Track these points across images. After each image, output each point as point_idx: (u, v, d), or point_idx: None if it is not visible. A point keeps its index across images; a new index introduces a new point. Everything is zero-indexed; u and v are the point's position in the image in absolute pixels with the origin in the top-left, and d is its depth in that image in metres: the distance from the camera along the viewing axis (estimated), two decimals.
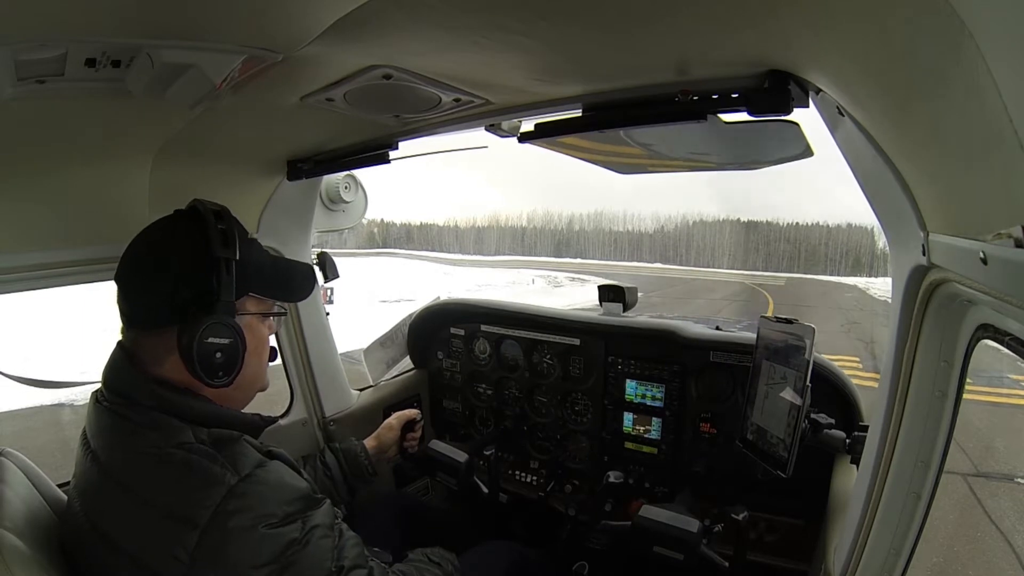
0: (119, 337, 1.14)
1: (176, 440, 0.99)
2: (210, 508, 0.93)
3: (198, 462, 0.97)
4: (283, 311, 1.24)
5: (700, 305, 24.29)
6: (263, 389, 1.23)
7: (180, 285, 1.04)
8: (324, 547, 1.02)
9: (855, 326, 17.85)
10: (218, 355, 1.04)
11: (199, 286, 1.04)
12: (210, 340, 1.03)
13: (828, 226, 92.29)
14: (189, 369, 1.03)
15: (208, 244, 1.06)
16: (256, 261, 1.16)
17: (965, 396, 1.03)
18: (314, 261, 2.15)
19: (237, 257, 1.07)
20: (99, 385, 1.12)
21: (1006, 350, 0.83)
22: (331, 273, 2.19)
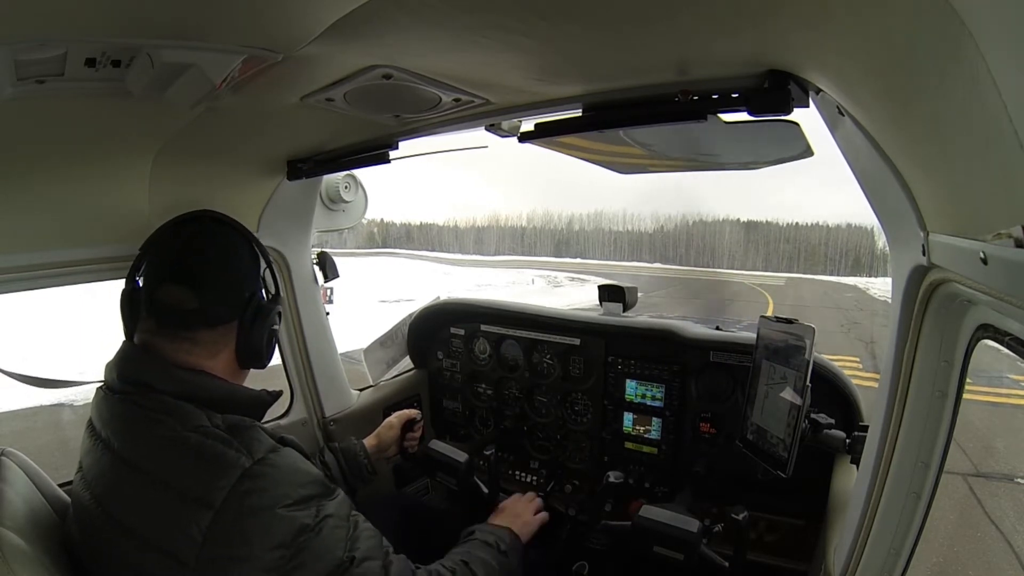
0: (123, 338, 1.17)
1: (192, 424, 1.02)
2: (225, 489, 0.96)
3: (212, 445, 1.00)
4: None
5: (700, 305, 24.28)
6: None
7: (247, 283, 1.19)
8: (337, 536, 1.05)
9: (855, 326, 17.86)
10: (273, 340, 1.24)
11: (258, 283, 1.21)
12: (274, 327, 1.23)
13: (828, 226, 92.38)
14: (247, 355, 1.19)
15: (252, 245, 1.23)
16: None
17: (965, 396, 1.03)
18: (314, 261, 2.16)
19: (270, 257, 1.27)
20: (102, 382, 1.14)
21: (1006, 350, 0.83)
22: (331, 273, 2.20)
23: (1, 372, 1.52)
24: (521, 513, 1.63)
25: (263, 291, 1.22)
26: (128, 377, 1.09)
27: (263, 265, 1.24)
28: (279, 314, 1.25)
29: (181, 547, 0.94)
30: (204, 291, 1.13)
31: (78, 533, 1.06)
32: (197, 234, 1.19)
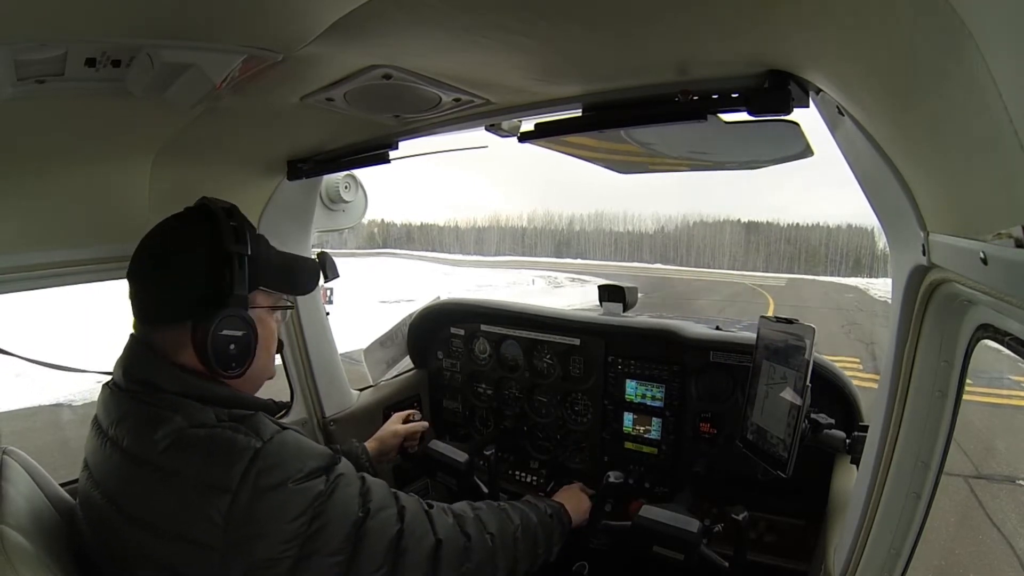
0: (131, 331, 1.16)
1: (199, 420, 1.02)
2: (239, 472, 0.96)
3: (222, 434, 1.00)
4: (290, 304, 1.30)
5: (701, 306, 24.27)
6: (270, 377, 1.29)
7: (195, 280, 1.08)
8: (350, 493, 1.06)
9: (855, 327, 17.85)
10: (232, 347, 1.09)
11: (213, 281, 1.09)
12: (224, 333, 1.08)
13: (828, 227, 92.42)
14: (203, 361, 1.07)
15: (221, 240, 1.10)
16: (265, 256, 1.19)
17: (965, 397, 1.03)
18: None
19: (249, 252, 1.11)
20: (110, 374, 1.14)
21: (1006, 350, 0.83)
22: (331, 273, 2.19)
23: (17, 357, 1.51)
24: (577, 497, 1.73)
25: (227, 291, 1.09)
26: (135, 376, 1.09)
27: (237, 264, 1.11)
28: (246, 320, 1.11)
29: (205, 534, 0.94)
30: (145, 288, 1.11)
31: (89, 531, 1.05)
32: (158, 228, 1.14)
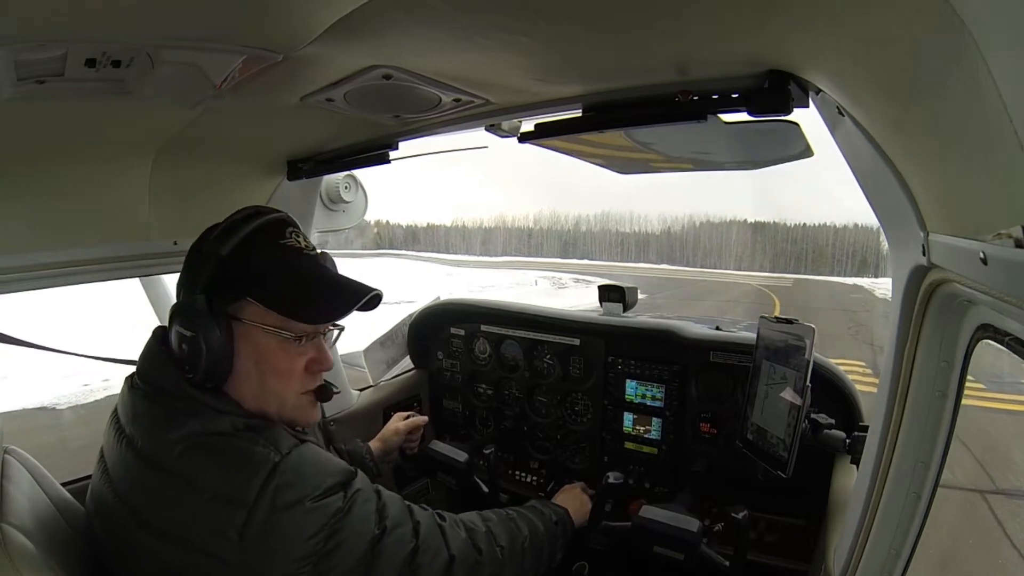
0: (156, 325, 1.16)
1: (215, 428, 1.01)
2: (256, 486, 0.95)
3: (239, 444, 0.99)
4: (287, 334, 1.09)
5: (706, 307, 24.17)
6: (300, 422, 1.16)
7: (190, 283, 1.10)
8: (367, 510, 1.05)
9: (862, 328, 17.70)
10: (183, 346, 1.04)
11: (189, 278, 1.09)
12: (176, 328, 1.06)
13: (835, 226, 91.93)
14: None
15: (202, 240, 1.11)
16: (269, 268, 1.08)
17: (978, 403, 1.02)
18: None
19: (223, 253, 1.06)
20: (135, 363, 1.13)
21: (1006, 350, 0.83)
22: None
23: (37, 347, 1.51)
24: (579, 499, 1.73)
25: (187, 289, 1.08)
26: (147, 378, 1.08)
27: (202, 262, 1.08)
28: (196, 318, 1.04)
29: (219, 547, 0.93)
30: None
31: (99, 530, 1.04)
32: None
